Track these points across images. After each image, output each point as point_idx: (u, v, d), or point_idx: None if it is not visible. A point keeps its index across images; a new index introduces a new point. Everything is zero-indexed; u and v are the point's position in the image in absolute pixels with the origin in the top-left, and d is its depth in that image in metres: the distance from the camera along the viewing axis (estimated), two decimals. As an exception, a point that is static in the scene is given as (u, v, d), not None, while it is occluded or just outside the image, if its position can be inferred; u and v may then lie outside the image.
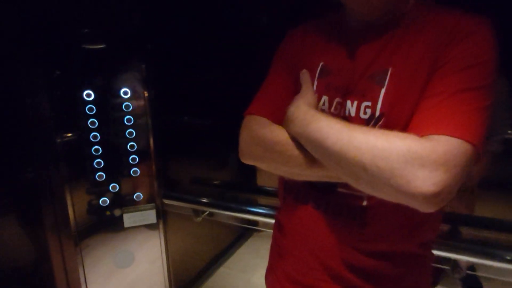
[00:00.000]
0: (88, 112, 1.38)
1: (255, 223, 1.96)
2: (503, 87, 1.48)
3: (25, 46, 1.27)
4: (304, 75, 0.74)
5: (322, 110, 0.71)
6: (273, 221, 0.91)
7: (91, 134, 1.39)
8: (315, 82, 0.73)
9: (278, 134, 0.69)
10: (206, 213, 1.67)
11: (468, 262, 1.06)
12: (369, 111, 0.64)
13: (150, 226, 1.60)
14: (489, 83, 0.57)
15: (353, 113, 0.67)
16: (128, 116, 1.45)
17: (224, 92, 2.09)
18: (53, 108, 1.31)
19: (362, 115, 0.65)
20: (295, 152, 0.66)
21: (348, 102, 0.67)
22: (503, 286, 1.47)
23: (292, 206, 0.78)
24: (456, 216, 1.29)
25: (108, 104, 1.42)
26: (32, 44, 1.27)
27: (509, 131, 1.61)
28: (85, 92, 1.36)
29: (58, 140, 1.34)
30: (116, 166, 1.47)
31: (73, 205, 1.40)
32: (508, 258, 0.99)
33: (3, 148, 1.30)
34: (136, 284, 1.64)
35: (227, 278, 2.30)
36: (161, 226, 1.62)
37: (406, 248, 0.71)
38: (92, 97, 1.38)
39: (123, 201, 1.52)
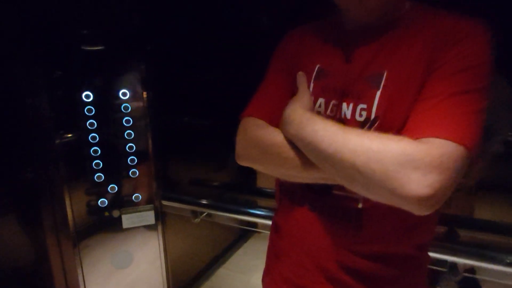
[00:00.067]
0: (87, 113, 1.38)
1: (255, 224, 1.96)
2: (504, 87, 1.47)
3: (25, 46, 1.27)
4: (301, 77, 0.74)
5: (318, 113, 0.71)
6: (272, 222, 0.91)
7: (90, 135, 1.39)
8: (312, 84, 0.73)
9: (274, 136, 0.70)
10: (204, 214, 1.67)
11: (465, 264, 1.06)
12: (364, 113, 0.64)
13: (148, 227, 1.60)
14: (484, 86, 0.57)
15: (348, 116, 0.67)
16: (127, 117, 1.45)
17: (224, 93, 2.09)
18: (53, 109, 1.31)
19: (357, 118, 0.65)
20: (291, 154, 0.67)
21: (344, 105, 0.68)
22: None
23: (288, 207, 0.78)
24: (453, 218, 1.29)
25: (107, 105, 1.42)
26: (32, 44, 1.27)
27: (510, 133, 1.60)
28: (84, 93, 1.37)
29: (57, 141, 1.34)
30: (115, 167, 1.48)
31: (72, 206, 1.40)
32: (508, 261, 0.98)
33: (3, 148, 1.30)
34: (135, 284, 1.64)
35: (226, 279, 2.30)
36: (159, 227, 1.63)
37: (401, 250, 0.71)
38: (91, 98, 1.38)
39: (121, 202, 1.52)
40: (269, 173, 0.74)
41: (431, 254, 0.84)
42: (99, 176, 1.44)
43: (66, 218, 1.40)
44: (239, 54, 2.12)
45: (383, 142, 0.55)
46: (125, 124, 1.46)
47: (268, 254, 0.89)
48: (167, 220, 1.67)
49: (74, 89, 1.36)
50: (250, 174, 2.40)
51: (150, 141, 1.52)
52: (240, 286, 2.24)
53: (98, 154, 1.42)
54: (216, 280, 2.27)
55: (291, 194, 0.77)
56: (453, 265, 1.09)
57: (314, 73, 0.73)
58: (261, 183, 2.30)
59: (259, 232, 2.68)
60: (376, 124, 0.63)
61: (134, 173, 1.51)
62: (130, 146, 1.48)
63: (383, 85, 0.63)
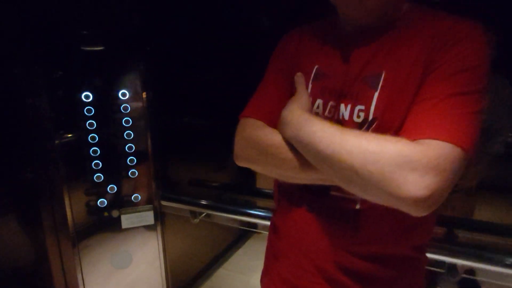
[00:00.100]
0: (86, 113, 1.38)
1: (254, 225, 1.96)
2: (504, 87, 1.47)
3: (25, 46, 1.27)
4: (299, 78, 0.74)
5: (316, 114, 0.71)
6: (271, 223, 0.91)
7: (90, 135, 1.40)
8: (310, 85, 0.73)
9: (272, 137, 0.70)
10: (203, 214, 1.67)
11: (464, 265, 1.05)
12: (362, 114, 0.65)
13: (148, 227, 1.60)
14: (481, 88, 0.57)
15: (346, 117, 0.67)
16: (126, 118, 1.45)
17: (223, 94, 2.09)
18: (53, 109, 1.31)
19: (355, 119, 0.66)
20: (289, 155, 0.67)
21: (342, 106, 0.68)
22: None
23: (286, 208, 0.78)
24: (452, 219, 1.29)
25: (106, 105, 1.42)
26: (32, 44, 1.27)
27: (510, 133, 1.60)
28: (84, 93, 1.37)
29: (57, 141, 1.34)
30: (114, 167, 1.48)
31: (71, 206, 1.40)
32: (507, 262, 0.98)
33: (3, 148, 1.30)
34: (134, 285, 1.64)
35: (226, 279, 2.30)
36: (159, 227, 1.63)
37: (399, 251, 0.71)
38: (91, 98, 1.38)
39: (121, 202, 1.52)
40: (267, 174, 0.74)
41: (429, 255, 0.84)
42: (99, 176, 1.44)
43: (65, 218, 1.40)
44: (238, 54, 2.13)
45: (381, 143, 0.55)
46: (124, 124, 1.46)
47: (267, 255, 0.89)
48: (166, 221, 1.67)
49: (74, 89, 1.36)
50: (249, 174, 2.40)
51: (149, 141, 1.52)
52: (240, 286, 2.24)
53: (98, 154, 1.42)
54: (215, 281, 2.27)
55: (289, 195, 0.77)
56: (452, 266, 1.09)
57: (313, 74, 0.74)
58: (261, 183, 2.30)
59: (258, 233, 2.68)
60: (374, 125, 0.63)
61: (133, 173, 1.51)
62: (130, 147, 1.48)
63: (381, 86, 0.63)
